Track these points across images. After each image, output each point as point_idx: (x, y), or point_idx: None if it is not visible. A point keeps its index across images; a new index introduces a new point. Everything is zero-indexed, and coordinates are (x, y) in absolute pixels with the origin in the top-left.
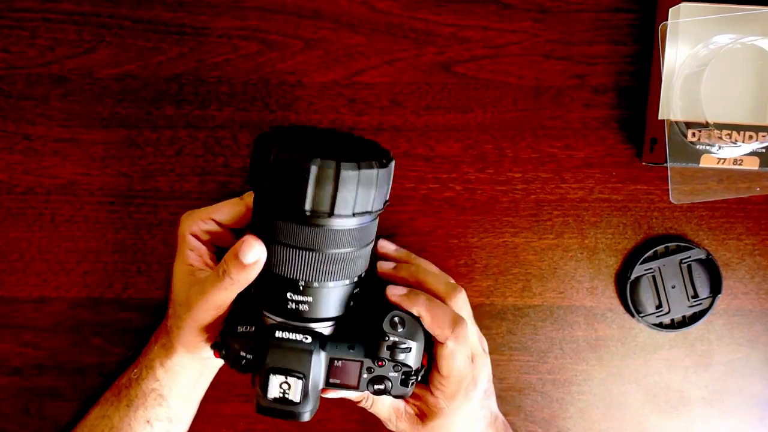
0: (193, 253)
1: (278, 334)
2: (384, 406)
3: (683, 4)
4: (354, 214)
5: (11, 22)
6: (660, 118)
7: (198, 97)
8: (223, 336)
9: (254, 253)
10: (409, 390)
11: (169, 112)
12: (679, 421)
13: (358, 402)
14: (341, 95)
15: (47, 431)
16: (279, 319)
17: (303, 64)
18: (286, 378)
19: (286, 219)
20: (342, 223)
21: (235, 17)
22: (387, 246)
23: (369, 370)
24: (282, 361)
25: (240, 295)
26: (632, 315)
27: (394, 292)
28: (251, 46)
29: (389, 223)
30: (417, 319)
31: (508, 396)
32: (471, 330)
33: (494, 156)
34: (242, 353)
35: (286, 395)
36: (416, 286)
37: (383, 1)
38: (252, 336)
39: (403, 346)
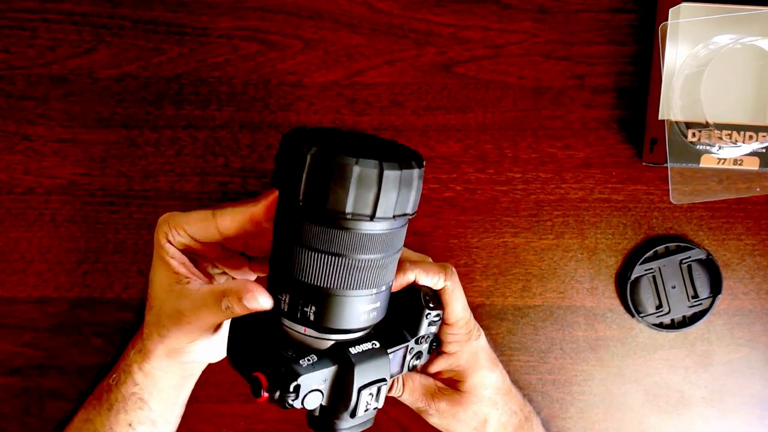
0: (174, 260)
1: (354, 350)
2: (416, 390)
3: (683, 5)
4: (394, 217)
5: (11, 22)
6: (660, 118)
7: (198, 98)
8: (287, 378)
9: (260, 304)
10: (429, 354)
11: (170, 112)
12: (679, 421)
13: (389, 391)
14: (341, 95)
15: (47, 431)
16: (314, 333)
17: (303, 65)
18: (372, 389)
19: (321, 223)
20: (381, 227)
21: (236, 17)
22: None
23: (410, 351)
24: (369, 375)
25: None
26: (632, 315)
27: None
28: (251, 47)
29: None
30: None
31: None
32: (461, 298)
33: (494, 156)
34: (316, 388)
35: (369, 407)
36: (415, 281)
37: (383, 2)
38: (319, 365)
39: (437, 318)
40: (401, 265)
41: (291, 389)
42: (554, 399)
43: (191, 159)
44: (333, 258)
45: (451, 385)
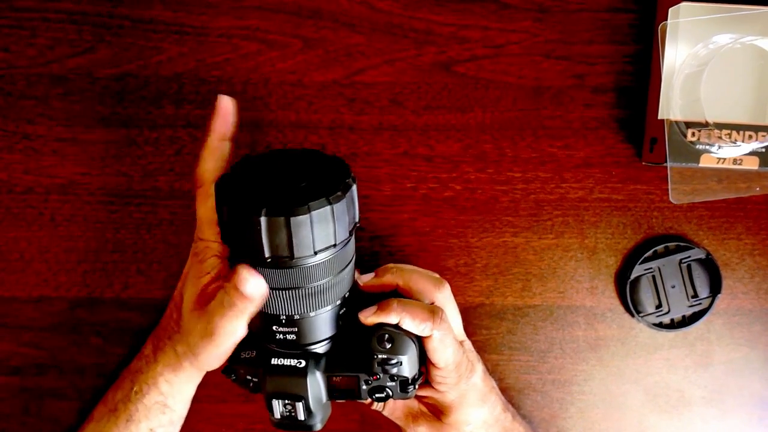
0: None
1: (274, 360)
2: (397, 409)
3: (683, 4)
4: (316, 252)
5: (11, 21)
6: (660, 117)
7: (198, 97)
8: (230, 362)
9: (252, 286)
10: (410, 394)
11: (169, 111)
12: (679, 421)
13: (370, 405)
14: (341, 95)
15: (47, 431)
16: (273, 346)
17: (303, 64)
18: (287, 401)
19: (252, 265)
20: (307, 261)
21: (235, 17)
22: (364, 278)
23: (366, 382)
24: (280, 387)
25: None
26: (632, 315)
27: (366, 315)
28: (251, 46)
29: (389, 222)
30: (405, 332)
31: (508, 396)
32: (455, 319)
33: (494, 156)
34: (248, 377)
35: (292, 414)
36: (403, 288)
37: (383, 1)
38: (253, 361)
39: (393, 361)
40: (388, 303)
41: (230, 373)
42: (554, 399)
43: (191, 158)
44: (279, 291)
45: (434, 413)
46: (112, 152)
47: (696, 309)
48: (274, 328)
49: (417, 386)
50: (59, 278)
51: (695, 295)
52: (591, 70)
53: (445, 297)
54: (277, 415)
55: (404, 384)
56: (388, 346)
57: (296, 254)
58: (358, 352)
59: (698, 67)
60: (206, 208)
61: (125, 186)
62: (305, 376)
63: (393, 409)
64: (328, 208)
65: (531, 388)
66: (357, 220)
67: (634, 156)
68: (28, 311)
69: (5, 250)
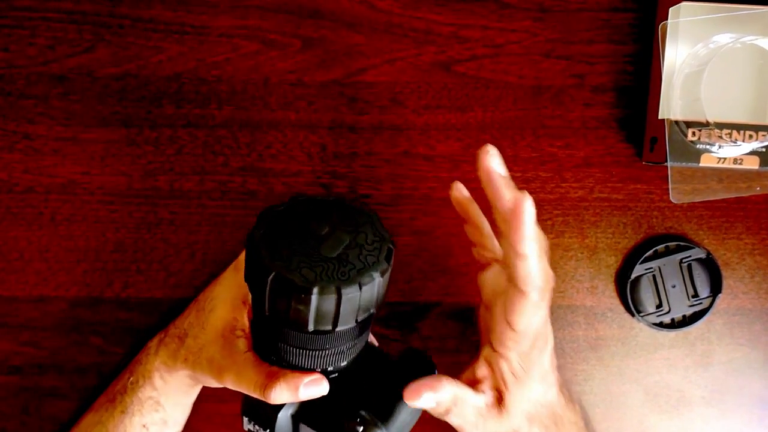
0: (245, 306)
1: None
2: (471, 412)
3: (683, 4)
4: (357, 322)
5: (11, 21)
6: (660, 117)
7: (198, 96)
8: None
9: (309, 394)
10: None
11: (169, 111)
12: (680, 420)
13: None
14: (341, 94)
15: (47, 431)
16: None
17: (303, 63)
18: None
19: (289, 334)
20: (346, 329)
21: (235, 16)
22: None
23: None
24: (253, 407)
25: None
26: (632, 314)
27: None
28: (251, 45)
29: (389, 222)
30: (379, 417)
31: None
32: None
33: None
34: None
35: None
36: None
37: (383, 1)
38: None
39: None
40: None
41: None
42: None
43: (191, 158)
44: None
45: (499, 399)
46: (112, 152)
47: (696, 309)
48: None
49: None
50: (59, 278)
51: (695, 295)
52: (591, 70)
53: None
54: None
55: None
56: (360, 429)
57: (339, 326)
58: (329, 417)
59: (698, 67)
60: None
61: (125, 185)
62: (277, 411)
63: (461, 418)
64: (377, 281)
65: None
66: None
67: (634, 155)
68: (28, 311)
69: (5, 249)
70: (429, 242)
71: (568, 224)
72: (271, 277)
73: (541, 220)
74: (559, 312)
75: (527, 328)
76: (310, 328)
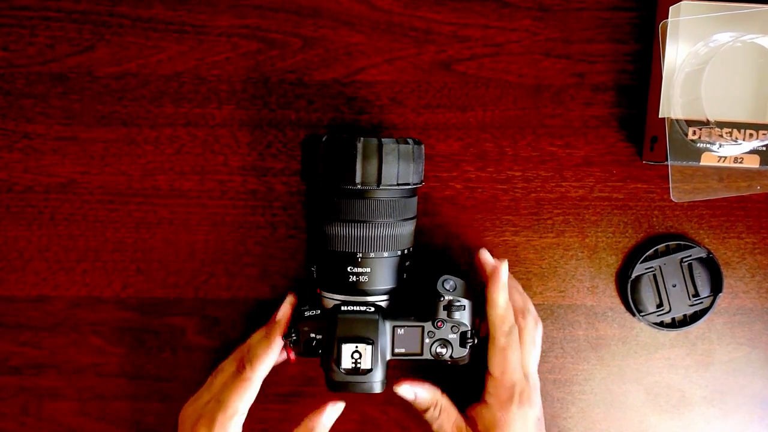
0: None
1: (344, 308)
2: (448, 423)
3: (683, 3)
4: (398, 185)
5: (11, 20)
6: (660, 116)
7: (198, 96)
8: (293, 323)
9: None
10: (467, 352)
11: (169, 110)
12: (680, 420)
13: (424, 413)
14: (341, 94)
15: (46, 431)
16: (341, 297)
17: (303, 63)
18: (357, 346)
19: (339, 196)
20: (388, 194)
21: (235, 16)
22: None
23: (430, 334)
24: (352, 330)
25: (301, 287)
26: (633, 314)
27: (485, 256)
28: (251, 45)
29: None
30: (465, 281)
31: None
32: (532, 353)
33: (494, 154)
34: (312, 335)
35: (358, 364)
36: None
37: (383, 0)
38: (319, 317)
39: (457, 303)
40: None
41: (292, 332)
42: (555, 398)
43: (191, 157)
44: (359, 225)
45: None
46: (112, 151)
47: (697, 308)
48: (348, 269)
49: (476, 341)
50: (58, 277)
51: (696, 294)
52: (591, 69)
53: (530, 322)
54: (345, 365)
55: (463, 336)
56: (453, 289)
57: (383, 182)
58: (421, 306)
59: (699, 66)
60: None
61: (125, 185)
62: (376, 320)
63: (445, 421)
64: (411, 146)
65: None
66: (422, 178)
67: (634, 154)
68: (27, 310)
69: (5, 249)
70: (429, 241)
71: (568, 223)
72: (324, 139)
73: (542, 219)
74: (559, 311)
75: (502, 375)
76: (358, 179)
